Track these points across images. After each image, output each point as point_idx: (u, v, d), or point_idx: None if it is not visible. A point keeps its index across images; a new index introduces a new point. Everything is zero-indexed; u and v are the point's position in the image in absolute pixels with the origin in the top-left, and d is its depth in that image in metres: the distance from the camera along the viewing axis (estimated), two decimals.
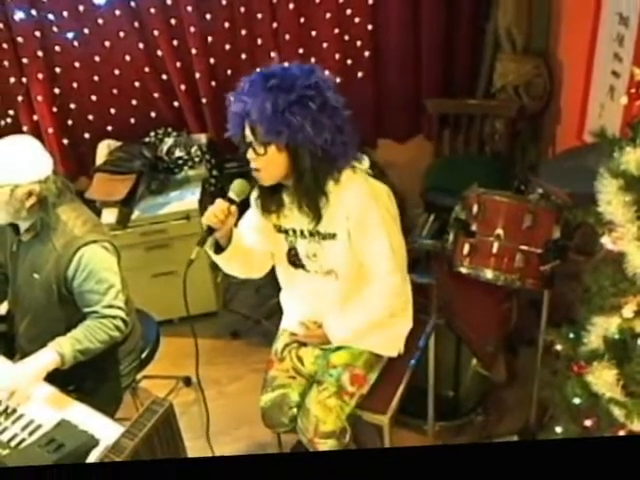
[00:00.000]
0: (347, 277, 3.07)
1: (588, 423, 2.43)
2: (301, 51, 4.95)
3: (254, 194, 3.01)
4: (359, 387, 3.16)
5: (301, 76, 2.66)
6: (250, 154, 2.81)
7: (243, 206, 2.98)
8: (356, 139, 2.88)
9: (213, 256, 2.99)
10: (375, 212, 2.91)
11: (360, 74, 5.03)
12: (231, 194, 2.88)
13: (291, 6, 4.80)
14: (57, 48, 4.80)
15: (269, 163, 2.79)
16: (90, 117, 5.05)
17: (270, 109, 2.61)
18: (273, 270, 3.32)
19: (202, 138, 5.00)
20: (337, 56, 4.96)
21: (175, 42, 4.85)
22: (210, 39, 4.88)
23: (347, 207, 2.88)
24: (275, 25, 4.87)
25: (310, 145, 2.70)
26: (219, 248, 2.96)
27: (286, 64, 2.80)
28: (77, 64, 4.87)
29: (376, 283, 3.06)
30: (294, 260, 3.14)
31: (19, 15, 4.61)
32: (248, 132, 2.76)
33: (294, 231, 3.06)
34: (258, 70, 2.76)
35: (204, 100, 5.01)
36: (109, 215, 4.50)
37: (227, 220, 2.84)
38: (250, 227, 3.12)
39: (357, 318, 3.13)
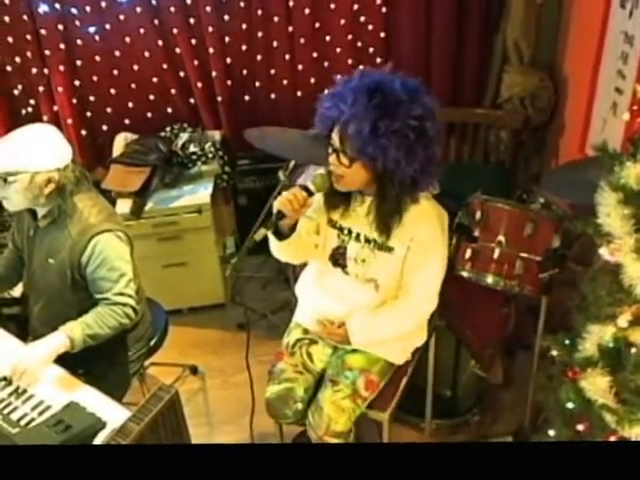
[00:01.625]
0: (387, 290, 3.05)
1: (580, 427, 2.43)
2: (315, 55, 4.96)
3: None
4: (372, 393, 3.13)
5: (406, 101, 2.55)
6: (333, 159, 2.76)
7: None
8: (440, 167, 2.82)
9: (274, 240, 2.90)
10: (439, 240, 2.91)
11: None
12: (311, 186, 2.78)
13: (307, 11, 4.81)
14: (79, 41, 4.82)
15: (350, 175, 2.75)
16: (108, 110, 5.06)
17: (368, 130, 2.53)
18: (280, 267, 3.31)
19: (216, 135, 5.01)
20: (350, 61, 4.96)
21: (193, 41, 4.87)
22: (227, 39, 4.90)
23: (416, 228, 2.85)
24: (291, 29, 4.88)
25: (400, 172, 2.64)
26: (278, 233, 2.88)
27: (390, 73, 2.68)
28: (98, 58, 4.89)
29: (414, 303, 3.03)
30: (337, 258, 3.08)
31: (43, 8, 4.63)
32: (336, 138, 2.70)
33: (350, 232, 3.01)
34: (360, 75, 2.66)
35: (219, 98, 5.02)
36: (123, 205, 4.51)
37: (301, 210, 2.78)
38: (305, 216, 2.98)
39: (384, 329, 3.08)
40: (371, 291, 3.06)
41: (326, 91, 2.78)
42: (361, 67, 4.81)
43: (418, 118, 2.57)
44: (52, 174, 2.95)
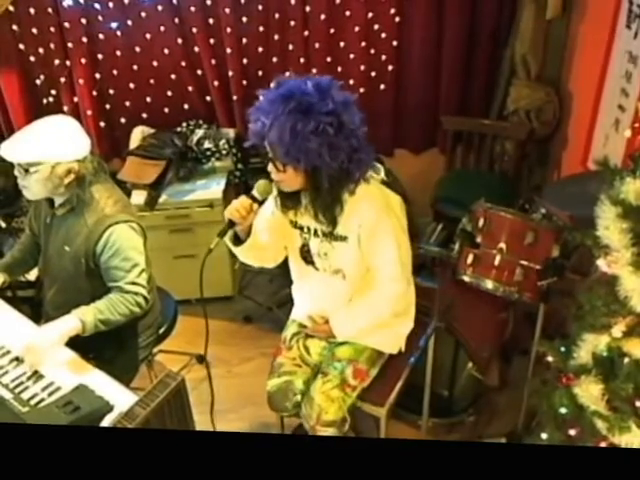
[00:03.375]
0: (354, 278, 3.09)
1: (572, 432, 2.43)
2: (329, 59, 4.96)
3: (274, 192, 2.98)
4: (361, 381, 3.19)
5: (317, 100, 2.60)
6: (270, 167, 2.82)
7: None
8: (372, 154, 2.87)
9: (232, 247, 3.01)
10: (387, 222, 2.92)
11: (382, 86, 5.03)
12: (255, 193, 2.87)
13: (322, 17, 4.80)
14: (101, 36, 4.83)
15: (287, 179, 2.81)
16: (127, 103, 5.08)
17: (288, 135, 2.59)
18: (286, 262, 3.34)
19: (230, 133, 5.01)
20: (362, 67, 4.96)
21: (212, 40, 4.87)
22: (245, 40, 4.89)
23: (360, 215, 2.89)
24: (306, 33, 4.88)
25: (327, 167, 2.69)
26: (237, 239, 2.98)
27: (302, 78, 2.71)
28: (118, 52, 4.90)
29: (382, 287, 3.08)
30: (306, 256, 3.15)
31: (67, 2, 4.64)
32: (268, 148, 2.75)
33: (308, 229, 3.06)
34: (275, 86, 2.71)
35: (235, 97, 5.02)
36: (138, 197, 4.54)
37: (248, 216, 2.86)
38: (267, 220, 3.10)
39: (362, 318, 3.15)
40: (340, 281, 3.12)
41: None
42: (373, 74, 4.90)
43: (331, 113, 2.61)
44: (72, 165, 2.97)
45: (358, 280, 3.12)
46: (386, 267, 3.03)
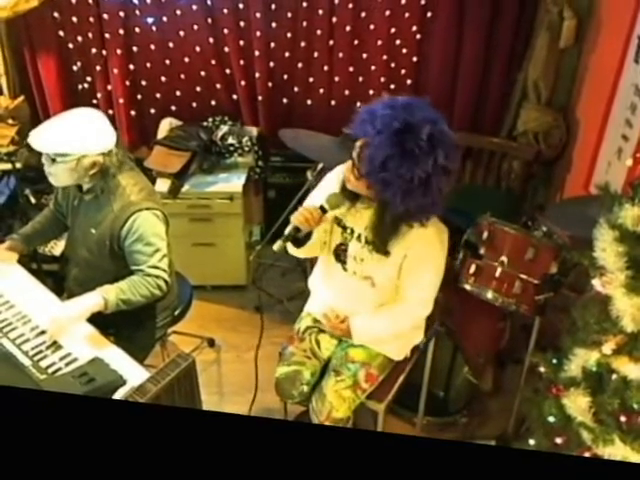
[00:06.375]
0: (384, 288, 3.05)
1: (559, 440, 2.45)
2: (351, 69, 4.98)
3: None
4: (371, 385, 3.17)
5: (424, 154, 2.50)
6: (349, 164, 2.76)
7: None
8: (441, 209, 2.79)
9: (291, 248, 2.91)
10: (436, 252, 2.92)
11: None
12: (325, 205, 2.80)
13: (348, 28, 4.82)
14: (137, 29, 4.86)
15: (356, 184, 2.76)
16: (157, 95, 5.10)
17: (379, 161, 2.52)
18: (298, 258, 3.33)
19: (253, 131, 5.02)
20: (382, 79, 4.97)
21: (241, 42, 4.89)
22: (272, 45, 4.91)
23: (414, 241, 2.86)
24: (331, 42, 4.89)
25: (393, 207, 2.65)
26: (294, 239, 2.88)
27: (430, 115, 2.57)
28: (152, 46, 4.93)
29: (409, 307, 3.05)
30: (339, 254, 3.09)
31: None
32: (357, 150, 2.68)
33: (352, 231, 3.01)
34: (403, 105, 2.56)
35: (260, 97, 5.04)
36: (162, 185, 4.56)
37: (315, 226, 2.81)
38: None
39: (382, 328, 3.12)
40: (368, 287, 3.07)
41: (373, 102, 2.70)
42: (392, 86, 4.89)
43: (426, 171, 2.52)
44: (97, 158, 2.98)
45: (388, 291, 3.08)
46: (420, 290, 3.00)
